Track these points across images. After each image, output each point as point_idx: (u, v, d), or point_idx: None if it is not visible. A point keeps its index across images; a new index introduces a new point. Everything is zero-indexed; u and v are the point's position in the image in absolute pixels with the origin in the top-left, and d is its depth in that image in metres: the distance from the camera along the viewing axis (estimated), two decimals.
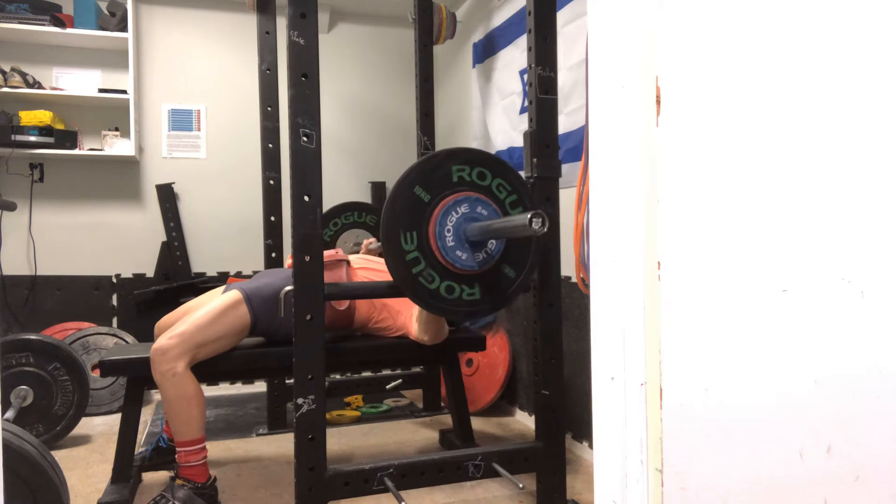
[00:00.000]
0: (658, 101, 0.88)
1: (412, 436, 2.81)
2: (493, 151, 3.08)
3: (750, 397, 0.93)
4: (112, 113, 3.48)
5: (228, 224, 3.68)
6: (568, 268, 2.33)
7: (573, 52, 2.45)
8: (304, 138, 1.70)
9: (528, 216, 1.44)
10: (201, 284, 3.53)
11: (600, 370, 0.97)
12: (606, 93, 0.96)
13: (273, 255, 2.86)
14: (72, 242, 3.47)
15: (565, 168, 2.33)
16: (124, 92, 3.37)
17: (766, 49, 0.94)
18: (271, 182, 2.87)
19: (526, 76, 2.79)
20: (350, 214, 3.23)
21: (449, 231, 1.74)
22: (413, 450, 2.62)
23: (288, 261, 2.33)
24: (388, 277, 2.00)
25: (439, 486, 2.09)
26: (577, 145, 2.42)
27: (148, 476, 2.30)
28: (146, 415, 3.14)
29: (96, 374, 3.02)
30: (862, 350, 0.99)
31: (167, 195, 3.56)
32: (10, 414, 2.42)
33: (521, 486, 1.83)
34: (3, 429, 1.41)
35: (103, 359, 2.04)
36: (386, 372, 3.47)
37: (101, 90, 3.39)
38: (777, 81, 0.94)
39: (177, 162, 3.65)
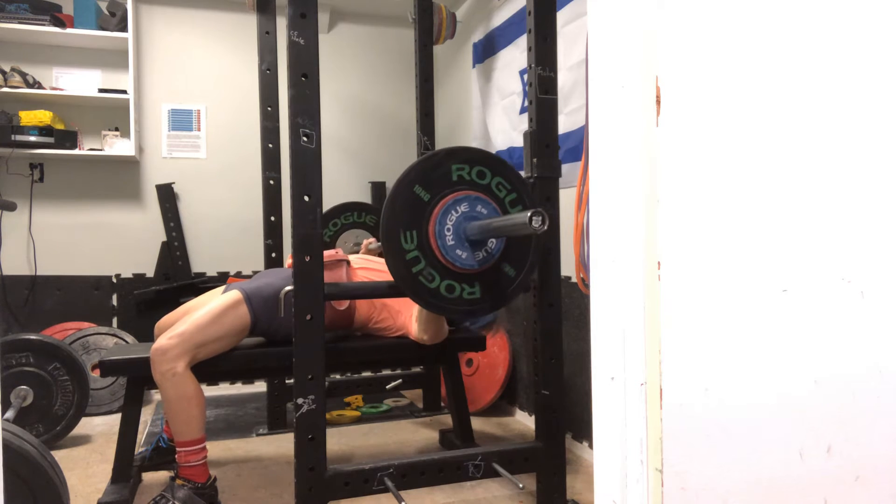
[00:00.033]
0: (658, 101, 0.88)
1: (412, 436, 2.81)
2: (493, 151, 3.08)
3: (750, 397, 0.93)
4: (112, 113, 3.48)
5: (228, 224, 3.68)
6: (568, 268, 2.33)
7: (573, 52, 2.45)
8: (304, 138, 1.70)
9: (528, 214, 1.44)
10: (201, 284, 3.53)
11: (600, 370, 0.97)
12: (606, 93, 0.96)
13: (273, 255, 2.86)
14: (72, 242, 3.47)
15: (565, 168, 2.33)
16: (124, 92, 3.37)
17: (767, 49, 0.94)
18: (271, 182, 2.87)
19: (526, 76, 2.79)
20: (350, 215, 3.24)
21: (449, 230, 1.74)
22: (413, 450, 2.62)
23: (288, 261, 2.33)
24: (388, 277, 2.00)
25: (439, 486, 2.09)
26: (577, 145, 2.42)
27: (148, 476, 2.30)
28: (146, 415, 3.14)
29: (96, 374, 3.02)
30: (862, 350, 0.99)
31: (167, 195, 3.56)
32: (10, 414, 2.42)
33: (521, 486, 1.83)
34: (3, 429, 1.41)
35: (103, 359, 2.04)
36: (386, 372, 3.47)
37: (101, 90, 3.39)
38: (777, 81, 0.94)
39: (177, 162, 3.65)
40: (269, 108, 2.85)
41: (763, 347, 0.93)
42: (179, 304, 2.70)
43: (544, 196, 1.94)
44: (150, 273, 3.57)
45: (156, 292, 3.49)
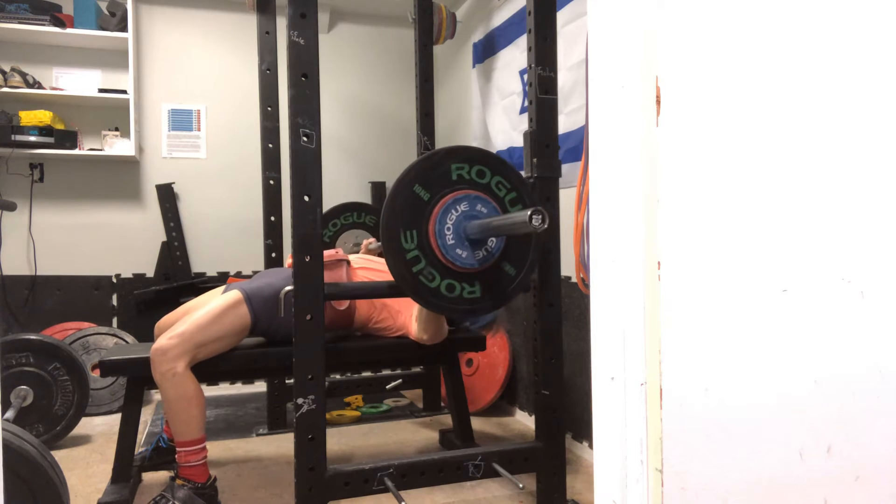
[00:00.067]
0: (658, 101, 0.88)
1: (412, 436, 2.81)
2: (493, 151, 3.08)
3: (750, 397, 0.93)
4: (112, 113, 3.48)
5: (228, 224, 3.68)
6: (568, 268, 2.33)
7: (573, 52, 2.45)
8: (304, 138, 1.70)
9: (529, 213, 1.44)
10: (201, 284, 3.53)
11: (600, 370, 0.97)
12: (606, 93, 0.96)
13: (273, 255, 2.86)
14: (72, 242, 3.47)
15: (565, 168, 2.33)
16: (124, 92, 3.37)
17: (766, 49, 0.94)
18: (271, 182, 2.87)
19: (526, 76, 2.79)
20: (349, 215, 3.24)
21: (449, 229, 1.74)
22: (413, 450, 2.62)
23: (288, 261, 2.33)
24: (388, 277, 2.00)
25: (439, 486, 2.09)
26: (577, 145, 2.42)
27: (148, 476, 2.30)
28: (146, 415, 3.14)
29: (96, 374, 3.02)
30: (862, 350, 0.99)
31: (167, 195, 3.56)
32: (10, 414, 2.42)
33: (521, 486, 1.83)
34: (3, 429, 1.41)
35: (103, 359, 2.04)
36: (386, 372, 3.46)
37: (101, 90, 3.39)
38: (777, 81, 0.94)
39: (177, 162, 3.65)
40: (269, 108, 2.85)
41: (763, 347, 0.93)
42: (179, 304, 2.70)
43: (544, 196, 1.94)
44: (150, 273, 3.57)
45: (156, 292, 3.49)
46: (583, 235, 1.90)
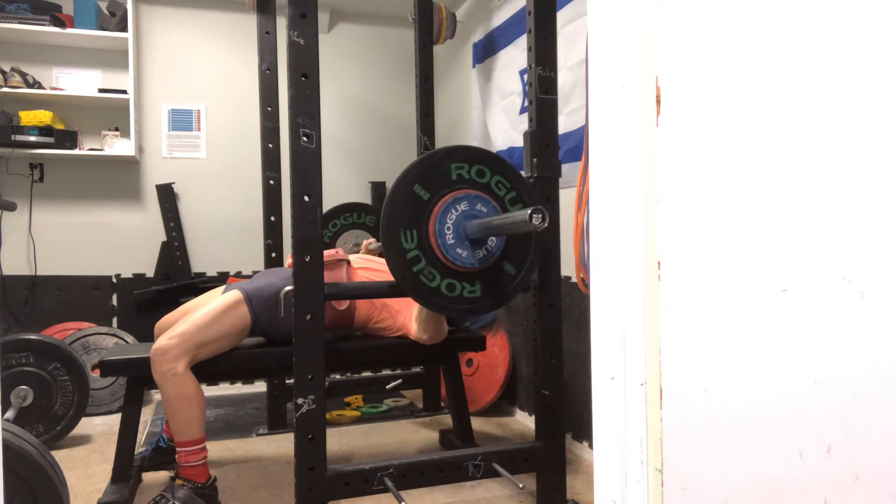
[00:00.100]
0: (658, 101, 0.88)
1: (412, 436, 2.81)
2: (493, 151, 3.08)
3: (750, 397, 0.93)
4: (112, 113, 3.48)
5: (228, 224, 3.68)
6: (568, 268, 2.33)
7: (573, 52, 2.45)
8: (304, 138, 1.70)
9: (529, 211, 1.44)
10: (201, 284, 3.53)
11: (600, 370, 0.97)
12: (606, 93, 0.96)
13: (273, 255, 2.86)
14: (72, 242, 3.47)
15: (565, 168, 2.33)
16: (124, 92, 3.37)
17: (766, 49, 0.94)
18: (271, 182, 2.87)
19: (526, 76, 2.79)
20: (349, 215, 3.24)
21: (449, 229, 1.74)
22: (413, 450, 2.62)
23: (288, 261, 2.33)
24: (388, 277, 2.00)
25: (439, 486, 2.09)
26: (577, 145, 2.42)
27: (148, 476, 2.30)
28: (146, 415, 3.14)
29: (96, 374, 3.02)
30: (862, 350, 0.99)
31: (167, 195, 3.56)
32: (10, 414, 2.42)
33: (521, 486, 1.83)
34: (3, 429, 1.41)
35: (103, 359, 2.04)
36: (386, 372, 3.47)
37: (101, 90, 3.39)
38: (777, 81, 0.94)
39: (177, 162, 3.65)
40: (269, 108, 2.85)
41: (763, 347, 0.93)
42: (179, 304, 2.70)
43: (544, 196, 1.94)
44: (150, 273, 3.57)
45: (156, 292, 3.49)
46: (583, 235, 1.90)
